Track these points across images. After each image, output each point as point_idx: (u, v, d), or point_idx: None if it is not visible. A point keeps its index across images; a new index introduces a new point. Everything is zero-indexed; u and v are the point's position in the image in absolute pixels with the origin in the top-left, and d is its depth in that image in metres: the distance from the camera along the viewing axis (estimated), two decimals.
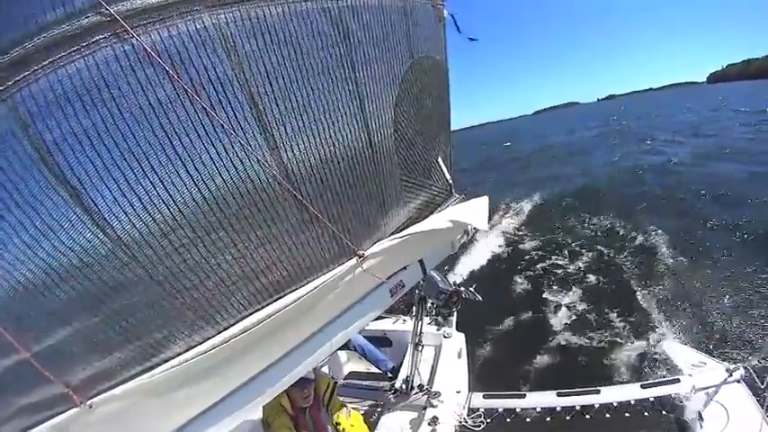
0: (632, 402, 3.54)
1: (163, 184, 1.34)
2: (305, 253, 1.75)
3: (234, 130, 1.41)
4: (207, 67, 1.34)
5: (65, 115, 1.24)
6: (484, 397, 3.97)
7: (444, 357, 4.50)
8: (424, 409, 3.80)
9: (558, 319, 7.80)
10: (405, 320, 5.33)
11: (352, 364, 5.38)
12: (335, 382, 3.30)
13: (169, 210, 1.37)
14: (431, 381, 4.13)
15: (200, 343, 1.58)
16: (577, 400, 3.66)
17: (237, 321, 1.63)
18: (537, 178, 21.40)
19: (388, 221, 2.19)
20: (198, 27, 1.33)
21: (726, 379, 3.28)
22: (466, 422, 3.67)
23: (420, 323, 3.73)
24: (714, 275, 8.20)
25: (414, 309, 4.17)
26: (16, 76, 1.21)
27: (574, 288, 8.98)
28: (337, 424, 3.03)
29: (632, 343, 6.64)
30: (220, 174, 1.43)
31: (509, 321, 7.99)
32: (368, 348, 4.91)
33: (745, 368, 3.30)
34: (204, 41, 1.33)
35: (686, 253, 9.49)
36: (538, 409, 3.69)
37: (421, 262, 2.57)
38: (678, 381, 3.55)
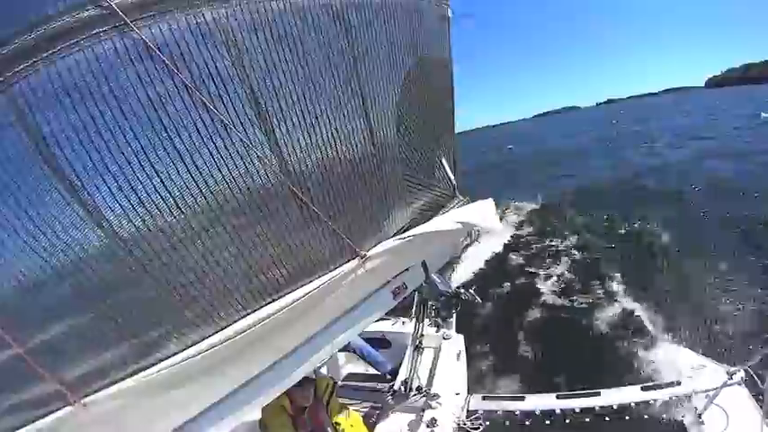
0: (632, 405, 3.52)
1: (161, 178, 1.32)
2: (305, 252, 1.72)
3: (234, 126, 1.39)
4: (207, 62, 1.32)
5: (63, 108, 1.22)
6: (483, 399, 3.94)
7: (443, 359, 4.47)
8: (423, 410, 3.77)
9: (559, 322, 7.77)
10: (404, 322, 5.30)
11: (350, 366, 5.35)
12: (335, 383, 3.27)
13: (166, 205, 1.35)
14: (430, 382, 4.09)
15: (199, 342, 1.56)
16: (577, 403, 3.64)
17: (237, 321, 1.61)
18: (539, 181, 21.43)
19: (391, 222, 2.16)
20: (198, 21, 1.31)
21: (726, 381, 3.26)
22: (464, 424, 3.64)
23: (421, 325, 3.70)
24: (714, 277, 8.20)
25: (413, 310, 4.14)
26: (15, 68, 1.19)
27: (574, 289, 8.96)
28: (337, 424, 3.01)
29: (633, 345, 6.59)
30: (219, 169, 1.40)
31: (509, 323, 7.96)
32: (366, 350, 4.88)
33: (745, 371, 3.28)
34: (204, 36, 1.32)
35: (686, 255, 9.51)
36: (537, 412, 3.66)
37: (424, 264, 2.54)
38: (678, 383, 3.53)
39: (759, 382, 3.06)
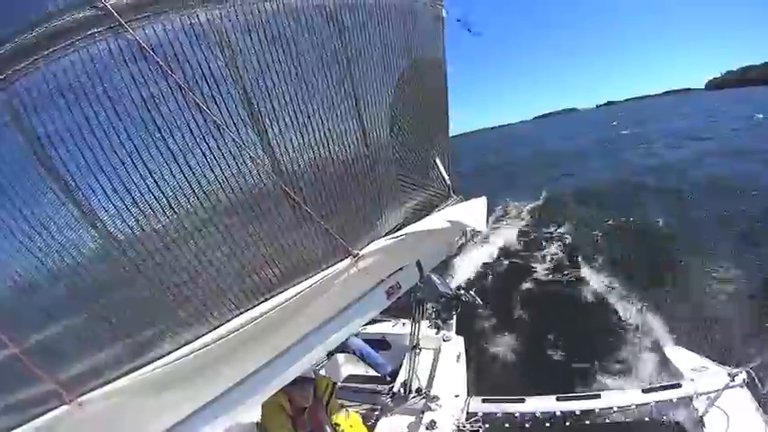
0: (633, 407, 3.49)
1: (154, 178, 1.33)
2: (298, 251, 1.73)
3: (226, 126, 1.40)
4: (200, 63, 1.33)
5: (58, 109, 1.24)
6: (483, 401, 3.92)
7: (443, 361, 4.46)
8: (422, 413, 3.76)
9: (559, 324, 7.75)
10: (404, 323, 5.28)
11: (350, 367, 5.34)
12: (335, 384, 3.28)
13: (160, 205, 1.36)
14: (429, 384, 4.09)
15: (192, 341, 1.56)
16: (577, 405, 3.62)
17: (230, 320, 1.62)
18: (538, 182, 21.44)
19: (384, 221, 2.17)
20: (192, 22, 1.32)
21: (728, 383, 3.24)
22: (464, 426, 3.63)
23: (417, 326, 3.70)
24: (713, 276, 8.22)
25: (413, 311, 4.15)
26: (10, 69, 1.20)
27: (575, 290, 8.95)
28: (336, 425, 3.02)
29: (633, 347, 6.60)
30: (212, 169, 1.41)
31: (509, 325, 7.94)
32: (366, 351, 4.88)
33: (747, 372, 3.26)
34: (198, 37, 1.33)
35: (686, 254, 9.52)
36: (537, 414, 3.63)
37: (418, 263, 2.55)
38: (680, 385, 3.50)
39: (760, 384, 3.05)
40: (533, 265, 10.81)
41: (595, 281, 9.18)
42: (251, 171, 1.49)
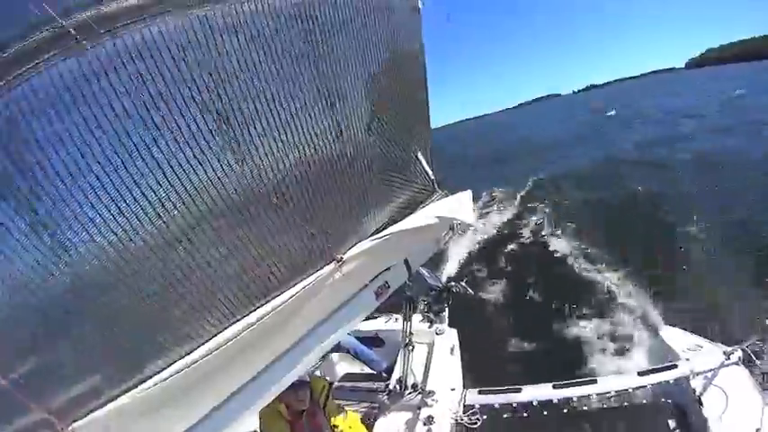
0: (630, 391, 3.49)
1: (124, 198, 1.28)
2: (281, 260, 1.71)
3: (197, 137, 1.36)
4: (166, 74, 1.29)
5: (24, 131, 1.18)
6: (479, 393, 3.92)
7: (437, 355, 4.47)
8: (420, 408, 3.76)
9: (552, 310, 7.79)
10: (396, 319, 5.27)
11: (345, 366, 5.35)
12: (331, 384, 3.26)
13: (132, 226, 1.31)
14: (425, 379, 4.09)
15: (184, 356, 1.53)
16: (574, 392, 3.61)
17: (219, 332, 1.59)
18: (523, 169, 21.52)
19: (369, 221, 2.16)
20: (155, 32, 1.27)
21: (724, 362, 3.25)
22: (462, 420, 3.63)
23: (409, 324, 3.68)
24: (705, 254, 8.34)
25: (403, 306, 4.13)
26: None
27: (564, 274, 9.03)
28: (335, 426, 3.01)
29: (627, 329, 6.65)
30: (183, 184, 1.37)
31: (501, 314, 7.99)
32: (360, 349, 4.89)
33: (743, 350, 3.26)
34: (162, 47, 1.28)
35: (677, 233, 9.63)
36: (534, 403, 3.64)
37: (406, 262, 2.53)
38: (675, 366, 3.51)
39: (758, 361, 3.06)
40: (521, 250, 10.89)
41: (585, 264, 9.25)
42: (225, 182, 1.45)
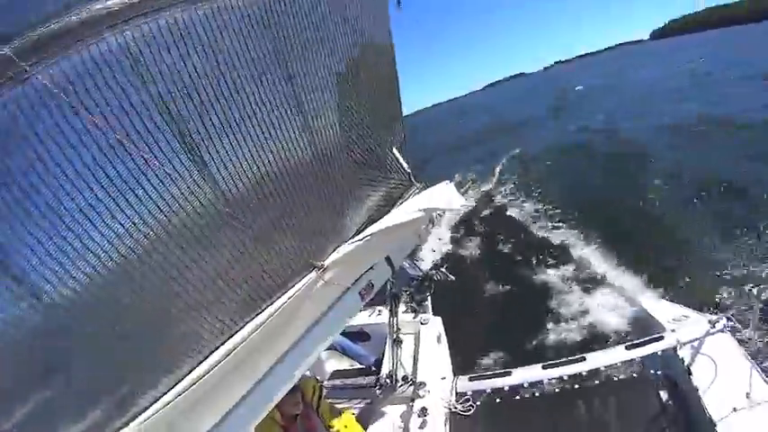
0: (619, 365, 3.55)
1: (88, 234, 1.20)
2: (262, 276, 1.66)
3: (157, 159, 1.28)
4: (117, 94, 1.20)
5: None
6: (470, 380, 3.96)
7: (424, 345, 4.49)
8: (413, 401, 3.78)
9: (534, 290, 7.88)
10: (380, 311, 5.29)
11: (334, 363, 5.34)
12: (321, 385, 3.24)
13: (101, 261, 1.24)
14: (414, 371, 4.11)
15: (175, 384, 1.48)
16: (564, 371, 3.67)
17: (207, 356, 1.54)
18: (494, 150, 21.66)
19: (348, 224, 2.12)
20: (102, 50, 1.17)
21: (709, 330, 3.30)
22: (455, 408, 3.66)
23: (395, 319, 3.67)
24: (679, 223, 8.52)
25: (387, 300, 4.12)
26: None
27: (544, 252, 9.15)
28: (330, 427, 3.00)
29: (610, 304, 6.72)
30: (150, 211, 1.29)
31: (484, 296, 8.05)
32: (347, 345, 4.90)
33: (727, 318, 3.33)
34: (110, 65, 1.19)
35: (650, 203, 9.85)
36: (525, 385, 3.68)
37: (388, 258, 2.51)
38: (662, 338, 3.57)
39: (742, 327, 3.13)
40: (499, 233, 10.97)
41: (564, 239, 9.37)
42: (192, 204, 1.38)
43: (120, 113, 1.20)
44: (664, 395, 3.22)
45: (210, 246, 1.46)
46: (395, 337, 3.75)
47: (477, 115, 52.11)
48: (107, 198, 1.21)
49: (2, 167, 1.08)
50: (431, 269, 3.95)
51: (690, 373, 3.11)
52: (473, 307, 7.78)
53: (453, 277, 3.95)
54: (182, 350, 1.49)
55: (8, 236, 1.12)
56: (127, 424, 1.40)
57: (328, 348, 4.94)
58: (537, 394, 3.60)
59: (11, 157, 1.09)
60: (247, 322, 1.63)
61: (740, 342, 3.17)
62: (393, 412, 3.77)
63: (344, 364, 5.23)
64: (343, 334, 4.95)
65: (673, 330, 3.58)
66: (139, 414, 1.42)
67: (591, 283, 7.53)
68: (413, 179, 2.76)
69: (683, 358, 3.26)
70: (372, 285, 2.33)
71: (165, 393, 1.46)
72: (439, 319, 4.92)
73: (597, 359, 3.69)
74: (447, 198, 2.70)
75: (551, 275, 8.22)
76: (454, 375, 4.11)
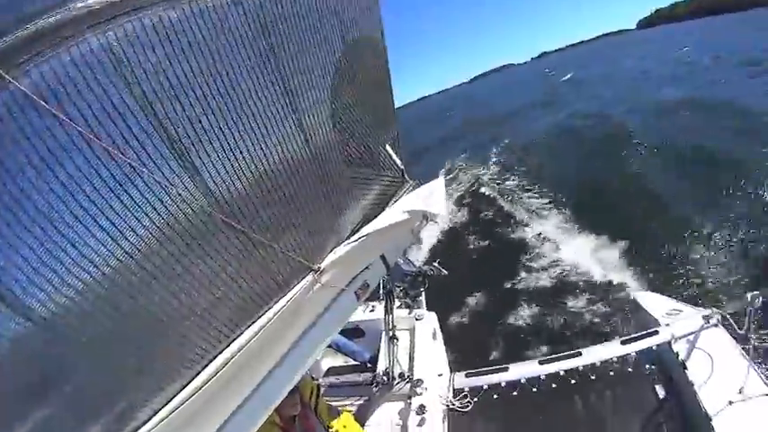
0: (614, 360, 3.56)
1: (73, 244, 1.14)
2: (257, 281, 1.62)
3: (146, 166, 1.23)
4: (101, 99, 1.14)
5: None
6: (466, 376, 3.96)
7: (420, 341, 4.48)
8: (410, 398, 3.78)
9: (529, 283, 7.89)
10: (374, 307, 5.29)
11: (329, 360, 5.32)
12: (319, 386, 3.22)
13: (89, 275, 1.18)
14: (411, 367, 4.10)
15: (175, 395, 1.44)
16: (560, 366, 3.67)
17: (204, 367, 1.51)
18: (485, 140, 21.68)
19: (343, 225, 2.09)
20: (83, 52, 1.11)
21: (703, 325, 3.32)
22: (453, 405, 3.66)
23: (391, 317, 3.65)
24: (669, 216, 8.53)
25: (381, 295, 4.10)
26: None
27: (537, 246, 9.17)
28: (329, 428, 2.98)
29: (605, 298, 6.74)
30: (139, 220, 1.24)
31: (478, 291, 8.05)
32: (342, 342, 4.88)
33: (721, 314, 3.34)
34: (93, 68, 1.12)
35: (642, 197, 9.79)
36: (522, 381, 3.68)
37: (383, 257, 2.48)
38: (656, 332, 3.58)
39: (736, 324, 3.14)
40: (491, 225, 10.98)
41: (555, 232, 9.40)
42: (183, 210, 1.33)
43: (104, 117, 1.14)
44: (659, 389, 3.24)
45: (205, 254, 1.42)
46: (391, 334, 3.73)
47: (466, 107, 52.06)
48: (92, 207, 1.15)
49: None
50: (424, 264, 3.94)
51: (685, 368, 3.13)
52: (468, 300, 7.78)
53: (446, 272, 3.94)
54: (180, 360, 1.46)
55: None
56: None
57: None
58: (534, 389, 3.61)
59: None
60: (245, 329, 1.60)
61: (734, 337, 3.18)
62: (391, 410, 3.77)
63: (339, 360, 5.22)
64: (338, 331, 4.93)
65: (667, 325, 3.60)
66: (139, 428, 1.38)
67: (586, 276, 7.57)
68: (406, 176, 2.73)
69: (677, 352, 3.28)
70: (368, 285, 2.32)
71: (165, 404, 1.42)
72: (434, 314, 4.91)
73: (593, 354, 3.70)
74: (434, 199, 2.66)
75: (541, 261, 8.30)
76: (451, 371, 4.11)
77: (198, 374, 1.48)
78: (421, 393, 3.78)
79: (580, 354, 3.75)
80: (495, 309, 7.49)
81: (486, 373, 3.89)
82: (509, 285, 8.10)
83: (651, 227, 8.46)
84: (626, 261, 7.53)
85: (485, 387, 3.75)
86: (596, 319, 6.37)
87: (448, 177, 15.18)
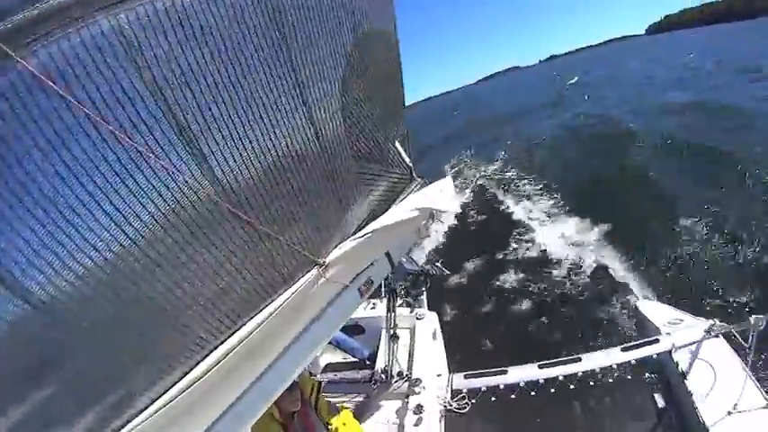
0: (614, 367, 3.54)
1: (78, 230, 1.12)
2: (261, 273, 1.60)
3: (154, 152, 1.20)
4: (111, 82, 1.11)
5: None
6: (465, 377, 3.94)
7: (420, 340, 4.47)
8: (408, 397, 3.77)
9: (531, 287, 7.81)
10: (374, 305, 5.28)
11: (328, 356, 5.32)
12: (319, 383, 3.21)
13: (92, 260, 1.16)
14: (410, 367, 4.08)
15: (170, 388, 1.43)
16: (560, 371, 3.65)
17: (205, 357, 1.49)
18: (490, 141, 21.67)
19: (350, 220, 2.07)
20: (94, 34, 1.09)
21: (704, 336, 3.30)
22: (450, 405, 3.65)
23: (393, 315, 3.63)
24: (672, 224, 8.42)
25: (383, 292, 4.08)
26: None
27: (540, 251, 9.09)
28: (329, 425, 2.97)
29: (607, 305, 6.68)
30: (144, 206, 1.22)
31: (480, 294, 7.99)
32: (341, 339, 4.87)
33: (722, 324, 3.32)
34: (103, 50, 1.10)
35: (646, 206, 9.65)
36: (521, 384, 3.66)
37: (388, 255, 2.46)
38: (657, 341, 3.56)
39: (738, 335, 3.12)
40: (495, 226, 10.94)
41: (557, 237, 9.33)
42: (191, 198, 1.31)
43: (112, 101, 1.12)
44: (658, 398, 3.25)
45: (210, 243, 1.40)
46: (392, 332, 3.71)
47: (471, 108, 51.98)
48: (97, 191, 1.13)
49: None
50: (426, 264, 3.93)
51: (684, 377, 3.12)
52: (470, 302, 7.74)
53: (449, 271, 3.92)
54: (181, 349, 1.44)
55: None
56: (124, 425, 1.35)
57: None
58: (532, 393, 3.59)
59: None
60: (248, 320, 1.59)
61: (735, 349, 3.16)
62: (388, 408, 3.76)
63: (338, 357, 5.22)
64: None
65: (668, 334, 3.58)
66: (137, 414, 1.37)
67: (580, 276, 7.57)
68: (414, 174, 2.71)
69: (677, 362, 3.27)
70: (372, 282, 2.30)
71: (164, 393, 1.41)
72: (434, 314, 4.90)
73: (593, 360, 3.68)
74: (446, 197, 2.64)
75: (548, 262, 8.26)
76: (449, 372, 4.09)
77: (198, 364, 1.47)
78: (419, 393, 3.77)
79: (580, 359, 3.72)
80: (495, 309, 7.44)
81: (485, 375, 3.87)
82: (511, 285, 8.05)
83: (651, 226, 8.51)
84: (630, 267, 7.49)
85: (483, 389, 3.73)
86: (597, 326, 6.30)
87: (452, 172, 15.22)
